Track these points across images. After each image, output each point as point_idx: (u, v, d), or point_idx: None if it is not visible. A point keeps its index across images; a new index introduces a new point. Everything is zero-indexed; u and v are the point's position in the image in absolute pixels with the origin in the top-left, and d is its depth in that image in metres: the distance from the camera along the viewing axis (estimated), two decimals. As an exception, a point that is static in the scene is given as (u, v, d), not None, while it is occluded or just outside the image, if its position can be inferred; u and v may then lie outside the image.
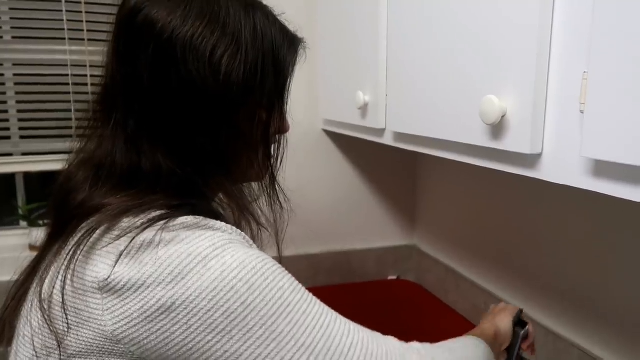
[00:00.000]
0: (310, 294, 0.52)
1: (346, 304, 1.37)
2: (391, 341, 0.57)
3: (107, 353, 0.47)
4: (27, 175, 1.44)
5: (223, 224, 0.52)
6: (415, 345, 0.60)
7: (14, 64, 1.35)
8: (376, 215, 1.60)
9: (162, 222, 0.49)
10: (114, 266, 0.47)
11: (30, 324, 0.51)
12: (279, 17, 0.60)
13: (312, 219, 1.53)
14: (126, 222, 0.50)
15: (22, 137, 1.38)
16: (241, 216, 0.56)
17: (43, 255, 0.56)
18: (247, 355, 0.46)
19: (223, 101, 0.54)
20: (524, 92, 0.59)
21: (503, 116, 0.62)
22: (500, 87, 0.63)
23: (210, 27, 0.53)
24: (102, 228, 0.49)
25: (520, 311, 0.84)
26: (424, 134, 0.83)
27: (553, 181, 0.58)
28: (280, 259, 0.61)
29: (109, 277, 0.47)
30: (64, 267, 0.49)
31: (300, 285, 0.51)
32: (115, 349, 0.47)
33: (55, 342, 0.48)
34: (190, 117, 0.53)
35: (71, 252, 0.49)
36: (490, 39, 0.64)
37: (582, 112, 0.51)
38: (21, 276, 0.59)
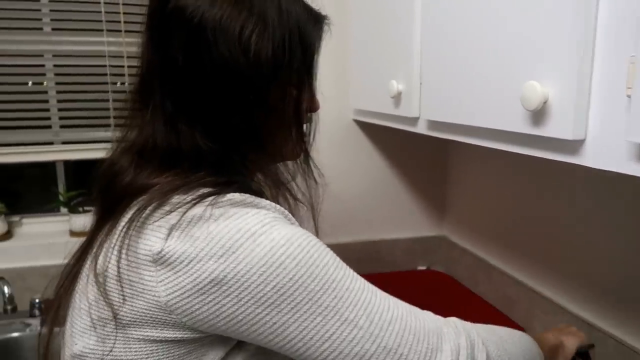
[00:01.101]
0: (352, 271, 0.54)
1: (376, 292, 1.38)
2: (429, 315, 0.58)
3: (160, 323, 0.50)
4: (67, 163, 1.49)
5: (267, 202, 0.54)
6: (452, 319, 0.61)
7: (54, 55, 1.39)
8: (405, 205, 1.60)
9: (211, 198, 0.51)
10: (166, 239, 0.49)
11: (86, 298, 0.54)
12: None
13: (341, 208, 1.54)
14: (176, 199, 0.52)
15: (62, 127, 1.42)
16: (278, 193, 0.58)
17: (93, 236, 0.58)
18: (294, 327, 0.49)
19: (255, 79, 0.56)
20: (567, 77, 0.58)
21: (545, 102, 0.61)
22: (542, 72, 0.62)
23: (237, 8, 0.55)
24: (153, 204, 0.52)
25: (591, 346, 0.80)
26: (460, 122, 0.83)
27: (597, 167, 0.57)
28: (317, 233, 0.63)
29: (161, 250, 0.49)
30: (118, 242, 0.51)
31: (342, 262, 0.53)
32: (168, 319, 0.49)
33: (110, 313, 0.50)
34: (224, 96, 0.56)
35: (125, 228, 0.51)
36: (532, 22, 0.64)
37: (628, 96, 0.51)
38: (72, 258, 0.62)
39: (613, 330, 0.98)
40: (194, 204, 0.50)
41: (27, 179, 1.56)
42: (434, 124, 0.97)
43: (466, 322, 0.62)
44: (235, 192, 0.53)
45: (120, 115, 1.39)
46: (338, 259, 0.53)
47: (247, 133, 0.57)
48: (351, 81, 1.43)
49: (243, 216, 0.50)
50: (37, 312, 1.28)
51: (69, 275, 0.61)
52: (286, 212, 0.55)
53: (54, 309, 0.60)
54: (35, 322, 1.27)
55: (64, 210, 1.48)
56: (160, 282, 0.49)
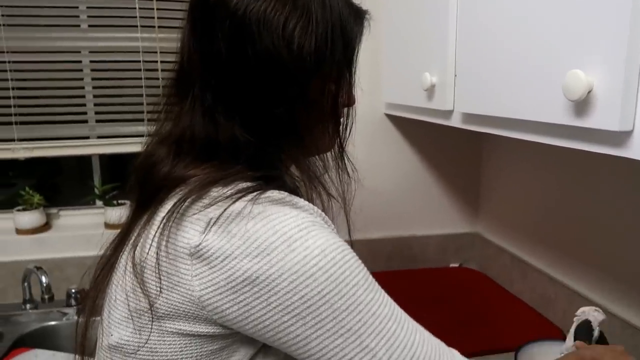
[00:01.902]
0: (383, 293, 0.52)
1: (407, 290, 1.36)
2: (456, 356, 0.56)
3: (193, 317, 0.50)
4: (103, 157, 1.52)
5: (305, 202, 0.53)
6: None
7: (90, 52, 1.42)
8: (438, 201, 1.56)
9: (251, 195, 0.51)
10: (204, 233, 0.49)
11: (123, 288, 0.54)
12: None
13: (373, 203, 1.52)
14: (215, 192, 0.52)
15: (97, 121, 1.45)
16: (312, 187, 0.57)
17: (130, 227, 0.58)
18: (315, 343, 0.48)
19: (297, 73, 0.55)
20: (614, 65, 0.55)
21: (589, 91, 0.58)
22: (586, 61, 0.59)
23: (281, 1, 0.54)
24: (193, 197, 0.52)
25: None
26: (497, 114, 0.80)
27: (646, 160, 0.54)
28: (349, 229, 0.63)
29: (199, 244, 0.49)
30: (158, 233, 0.51)
31: (374, 283, 0.52)
32: (201, 314, 0.49)
33: (147, 304, 0.51)
34: (266, 88, 0.55)
35: (165, 219, 0.51)
36: (576, 7, 0.61)
37: (683, 84, 0.47)
38: (109, 248, 0.62)
39: (659, 333, 0.93)
40: (235, 200, 0.50)
41: (64, 173, 1.61)
42: (468, 117, 0.94)
43: None
44: (274, 189, 0.53)
45: (154, 109, 1.42)
46: (371, 279, 0.52)
47: (286, 126, 0.57)
48: (383, 75, 1.41)
49: (281, 217, 0.49)
50: (73, 301, 1.31)
51: (106, 266, 0.62)
52: (323, 214, 0.54)
53: (91, 299, 0.61)
54: (72, 311, 1.31)
55: (99, 203, 1.51)
56: (196, 276, 0.49)
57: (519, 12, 0.72)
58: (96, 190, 1.47)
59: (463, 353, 0.57)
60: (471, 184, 1.58)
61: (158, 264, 0.51)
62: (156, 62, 1.42)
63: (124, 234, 0.60)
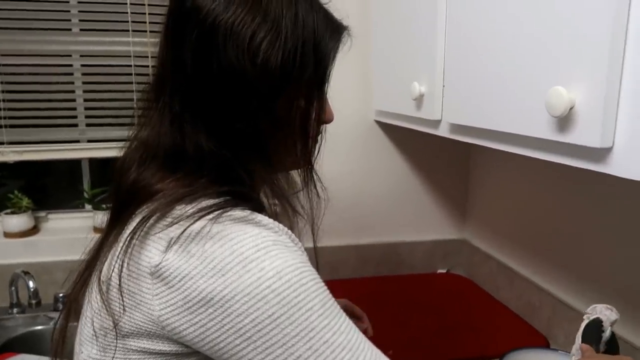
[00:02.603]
0: (342, 319, 0.50)
1: (394, 295, 1.37)
2: None
3: (155, 335, 0.50)
4: (92, 161, 1.52)
5: (270, 220, 0.52)
6: None
7: (81, 55, 1.42)
8: (427, 207, 1.58)
9: (212, 214, 0.50)
10: (165, 253, 0.49)
11: (91, 305, 0.54)
12: (324, 5, 0.60)
13: (361, 209, 1.53)
14: (178, 210, 0.52)
15: (88, 125, 1.45)
16: (279, 204, 0.57)
17: (105, 239, 0.58)
18: None
19: (260, 87, 0.54)
20: (595, 83, 0.57)
21: (571, 108, 0.60)
22: (568, 78, 0.61)
23: (252, 13, 0.54)
24: (157, 215, 0.51)
25: None
26: (483, 126, 0.82)
27: (624, 176, 0.55)
28: (315, 249, 0.61)
29: (159, 263, 0.49)
30: (122, 252, 0.51)
31: (333, 308, 0.50)
32: (162, 333, 0.50)
33: (111, 323, 0.51)
34: (229, 101, 0.55)
35: (128, 238, 0.51)
36: (560, 25, 0.62)
37: (660, 104, 0.49)
38: (86, 258, 0.62)
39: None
40: (196, 219, 0.50)
41: (54, 176, 1.60)
42: (456, 127, 0.96)
43: None
44: (237, 206, 0.52)
45: (137, 114, 1.42)
46: (329, 304, 0.50)
47: (250, 140, 0.56)
48: (374, 82, 1.42)
49: (240, 236, 0.49)
50: (61, 306, 1.31)
51: (82, 276, 0.61)
52: (289, 232, 0.53)
53: (66, 309, 0.61)
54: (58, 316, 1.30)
55: (88, 207, 1.51)
56: (156, 295, 0.49)
57: (505, 28, 0.74)
58: (85, 194, 1.47)
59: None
60: (459, 191, 1.59)
61: (120, 283, 0.51)
62: (147, 66, 1.42)
63: (99, 246, 0.59)
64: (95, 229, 1.45)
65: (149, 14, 1.39)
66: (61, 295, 1.31)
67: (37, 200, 1.47)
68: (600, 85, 0.56)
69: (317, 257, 0.59)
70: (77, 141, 1.46)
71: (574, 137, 0.61)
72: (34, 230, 1.44)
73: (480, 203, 1.54)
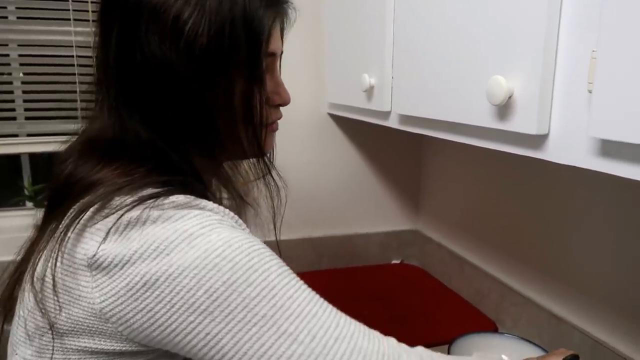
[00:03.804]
0: (300, 280, 0.49)
1: (349, 287, 1.38)
2: (389, 341, 0.52)
3: (97, 332, 0.47)
4: (33, 157, 1.45)
5: (215, 204, 0.51)
6: (419, 349, 0.55)
7: (19, 45, 1.35)
8: (380, 199, 1.60)
9: (151, 201, 0.48)
10: (103, 243, 0.47)
11: (24, 305, 0.52)
12: None
13: (315, 202, 1.53)
14: (117, 201, 0.50)
15: (27, 118, 1.38)
16: (228, 193, 0.56)
17: (39, 236, 0.56)
18: (227, 339, 0.45)
19: (186, 75, 0.52)
20: (531, 72, 0.58)
21: (510, 97, 0.61)
22: (507, 68, 0.62)
23: None
24: (95, 207, 0.49)
25: (575, 357, 0.70)
26: (430, 116, 0.83)
27: (560, 162, 0.57)
28: (277, 240, 0.60)
29: (96, 253, 0.47)
30: (56, 247, 0.49)
31: (289, 270, 0.49)
32: (104, 328, 0.47)
33: (47, 322, 0.48)
34: (158, 90, 0.53)
35: (62, 232, 0.49)
36: (498, 18, 0.64)
37: (590, 91, 0.51)
38: (19, 256, 0.59)
39: (580, 323, 0.99)
40: (133, 206, 0.48)
41: (-9, 173, 1.52)
42: (405, 118, 0.97)
43: (435, 354, 0.56)
44: (179, 193, 0.50)
45: (88, 107, 1.37)
46: (285, 266, 0.49)
47: (186, 129, 0.54)
48: (326, 74, 1.42)
49: (182, 218, 0.47)
50: (1, 309, 1.24)
51: (12, 277, 0.58)
52: (234, 215, 0.52)
53: (2, 306, 0.58)
54: (-1, 320, 1.24)
55: (29, 204, 1.44)
56: (96, 287, 0.47)
57: (447, 19, 0.75)
58: (26, 191, 1.40)
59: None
60: (412, 182, 1.62)
61: (54, 279, 0.48)
62: (90, 57, 1.36)
63: (33, 243, 0.57)
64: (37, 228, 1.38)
65: (92, 2, 1.34)
66: (1, 297, 1.24)
67: (-27, 199, 1.39)
68: (536, 74, 0.58)
69: (280, 250, 0.57)
70: (16, 135, 1.39)
71: (513, 124, 0.62)
72: (-30, 229, 1.36)
73: (432, 193, 1.57)
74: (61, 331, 0.48)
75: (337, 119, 1.51)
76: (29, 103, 1.37)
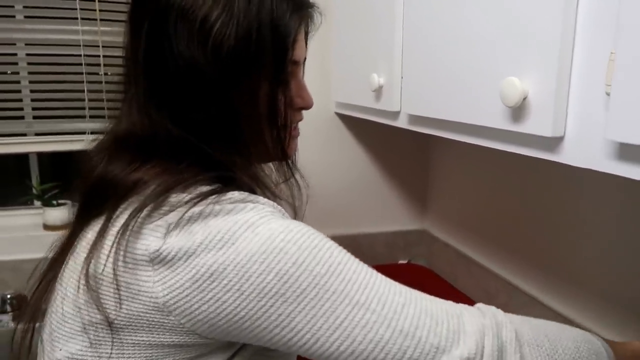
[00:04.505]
0: (357, 259, 0.51)
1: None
2: (448, 302, 0.54)
3: (156, 326, 0.48)
4: (41, 155, 1.45)
5: (266, 199, 0.52)
6: (478, 304, 0.57)
7: (27, 44, 1.35)
8: (387, 198, 1.59)
9: (210, 198, 0.49)
10: (164, 238, 0.47)
11: (74, 302, 0.51)
12: None
13: (322, 201, 1.52)
14: (174, 198, 0.50)
15: (35, 117, 1.38)
16: (262, 194, 0.56)
17: (74, 233, 0.56)
18: (301, 317, 0.46)
19: (213, 76, 0.52)
20: (546, 74, 0.58)
21: (524, 98, 0.61)
22: (522, 69, 0.62)
23: None
24: (151, 206, 0.49)
25: None
26: (441, 117, 0.82)
27: (575, 165, 0.57)
28: None
29: (159, 248, 0.47)
30: (114, 245, 0.49)
31: (345, 250, 0.51)
32: (166, 321, 0.47)
33: (103, 317, 0.48)
34: (186, 91, 0.53)
35: (121, 231, 0.49)
36: (512, 18, 0.63)
37: (607, 93, 0.50)
38: (53, 254, 0.59)
39: (588, 324, 0.99)
40: (195, 203, 0.49)
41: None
42: (414, 119, 0.96)
43: (494, 308, 0.57)
44: (234, 190, 0.51)
45: (95, 106, 1.37)
46: (340, 246, 0.51)
47: (216, 129, 0.54)
48: (333, 73, 1.41)
49: (242, 210, 0.48)
50: (8, 307, 1.24)
51: (48, 273, 0.58)
52: (282, 209, 0.53)
53: (31, 309, 0.58)
54: (6, 318, 1.24)
55: (37, 203, 1.44)
56: (158, 281, 0.47)
57: (460, 19, 0.74)
58: (34, 190, 1.40)
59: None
60: (419, 181, 1.61)
61: (116, 275, 0.48)
62: (98, 56, 1.36)
63: (68, 240, 0.57)
64: (46, 226, 1.38)
65: (99, 1, 1.33)
66: (9, 296, 1.24)
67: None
68: (551, 76, 0.57)
69: None
70: (24, 134, 1.39)
71: (527, 126, 0.62)
72: (-22, 228, 1.36)
73: (439, 193, 1.56)
74: (118, 326, 0.48)
75: (344, 118, 1.50)
76: (36, 102, 1.38)
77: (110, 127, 0.59)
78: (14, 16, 1.34)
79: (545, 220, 1.10)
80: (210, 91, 0.53)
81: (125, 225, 0.49)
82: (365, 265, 0.51)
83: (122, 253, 0.48)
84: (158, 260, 0.47)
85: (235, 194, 0.50)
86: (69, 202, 1.40)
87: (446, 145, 1.50)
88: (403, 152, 1.57)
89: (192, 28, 0.51)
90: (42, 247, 1.40)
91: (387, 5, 1.00)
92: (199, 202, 0.49)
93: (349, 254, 0.50)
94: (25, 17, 1.34)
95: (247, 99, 0.55)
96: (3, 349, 1.21)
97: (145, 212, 0.49)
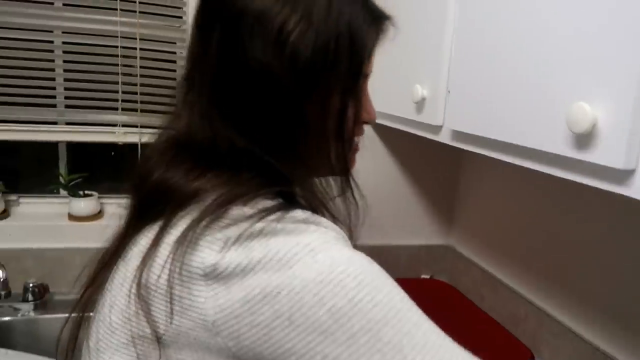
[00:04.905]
0: (417, 307, 0.47)
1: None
2: None
3: (202, 347, 0.45)
4: (69, 145, 1.44)
5: (329, 221, 0.50)
6: None
7: (63, 32, 1.34)
8: (413, 211, 1.56)
9: (274, 215, 0.47)
10: (221, 252, 0.45)
11: (124, 311, 0.49)
12: None
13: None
14: (235, 211, 0.48)
15: (67, 106, 1.38)
16: (319, 212, 0.53)
17: (127, 237, 0.54)
18: None
19: (287, 85, 0.50)
20: (622, 101, 0.55)
21: (594, 125, 0.58)
22: (593, 93, 0.58)
23: (281, 2, 0.50)
24: (211, 217, 0.47)
25: None
26: (491, 136, 0.79)
27: (649, 201, 0.54)
28: None
29: (215, 262, 0.44)
30: (170, 256, 0.47)
31: (407, 295, 0.47)
32: (212, 342, 0.44)
33: (151, 330, 0.46)
34: (255, 99, 0.51)
35: (179, 241, 0.47)
36: (585, 37, 0.60)
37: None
38: (103, 256, 0.57)
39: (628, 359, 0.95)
40: (259, 219, 0.46)
41: (27, 158, 1.51)
42: (458, 135, 0.93)
43: None
44: (296, 208, 0.49)
45: (129, 98, 1.36)
46: (403, 291, 0.47)
47: (281, 141, 0.52)
48: (373, 82, 1.38)
49: (304, 232, 0.46)
50: (30, 296, 1.23)
51: (98, 275, 0.57)
52: (345, 235, 0.50)
53: (79, 311, 0.56)
54: (27, 307, 1.23)
55: (63, 192, 1.43)
56: (210, 297, 0.44)
57: (524, 35, 0.71)
58: (61, 179, 1.39)
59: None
60: (447, 196, 1.58)
61: (170, 288, 0.46)
62: (135, 49, 1.35)
63: (119, 243, 0.55)
64: (71, 216, 1.37)
65: (140, -7, 1.32)
66: (32, 284, 1.24)
67: (8, 183, 1.39)
68: (628, 103, 0.54)
69: None
70: (55, 123, 1.38)
71: (595, 156, 0.58)
72: (3, 214, 1.35)
73: (467, 210, 1.53)
74: (165, 342, 0.46)
75: (377, 128, 1.47)
76: (70, 92, 1.37)
77: (166, 126, 0.57)
78: (52, 3, 1.33)
79: (581, 244, 1.06)
80: (282, 100, 0.51)
81: (183, 236, 0.47)
82: (427, 319, 0.46)
83: (178, 265, 0.46)
84: (213, 275, 0.45)
85: (298, 213, 0.48)
86: (95, 193, 1.39)
87: (478, 161, 1.47)
88: (432, 164, 1.54)
89: (268, 35, 0.49)
90: (65, 237, 1.40)
91: (437, 16, 0.97)
92: (261, 218, 0.46)
93: (410, 302, 0.46)
94: (64, 4, 1.34)
95: (317, 110, 0.53)
96: (24, 337, 1.20)
97: (204, 223, 0.47)
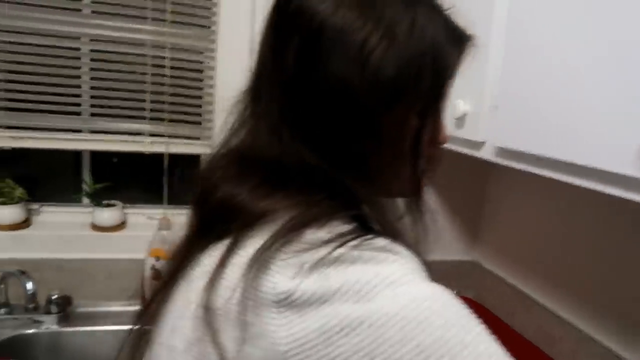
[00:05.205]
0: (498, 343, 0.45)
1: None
2: None
3: None
4: (93, 154, 1.42)
5: (408, 251, 0.47)
6: None
7: (91, 40, 1.33)
8: (439, 226, 1.54)
9: (353, 241, 0.44)
10: (295, 278, 0.42)
11: (185, 334, 0.47)
12: (446, 11, 0.54)
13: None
14: (310, 235, 0.45)
15: (92, 115, 1.36)
16: (392, 234, 0.51)
17: (189, 255, 0.52)
18: None
19: (367, 102, 0.48)
20: None
21: (674, 147, 0.56)
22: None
23: (363, 18, 0.48)
24: (283, 239, 0.45)
25: None
26: (546, 154, 0.77)
27: None
28: None
29: (289, 289, 0.42)
30: (240, 279, 0.44)
31: (488, 330, 0.45)
32: None
33: (216, 358, 0.43)
34: (332, 115, 0.49)
35: (250, 263, 0.44)
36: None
37: None
38: (169, 270, 0.55)
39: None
40: (338, 245, 0.43)
41: (50, 166, 1.49)
42: (504, 151, 0.91)
43: None
44: (375, 234, 0.46)
45: (157, 108, 1.34)
46: (487, 330, 0.44)
47: (354, 159, 0.50)
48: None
49: (383, 262, 0.43)
50: (54, 308, 1.20)
51: (163, 290, 0.54)
52: (421, 263, 0.47)
53: (141, 326, 0.54)
54: (50, 319, 1.20)
55: (86, 201, 1.41)
56: (282, 326, 0.41)
57: (584, 51, 0.69)
58: (86, 188, 1.37)
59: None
60: (473, 211, 1.56)
61: (241, 314, 0.43)
62: (164, 58, 1.34)
63: (182, 261, 0.53)
64: (94, 226, 1.35)
65: (172, 2, 1.31)
66: (54, 296, 1.21)
67: (30, 191, 1.36)
68: None
69: None
70: (80, 131, 1.36)
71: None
72: (25, 223, 1.33)
73: (494, 225, 1.50)
74: None
75: (404, 140, 1.45)
76: (95, 100, 1.35)
77: (228, 140, 0.54)
78: (80, 10, 1.32)
79: (617, 263, 1.03)
80: (358, 118, 0.49)
81: (254, 259, 0.44)
82: (498, 349, 0.43)
83: (249, 289, 0.43)
84: (286, 302, 0.42)
85: (377, 240, 0.45)
86: (119, 203, 1.37)
87: (506, 176, 1.44)
88: (459, 179, 1.52)
89: (348, 51, 0.47)
90: (88, 247, 1.36)
91: (483, 30, 0.96)
92: (339, 244, 0.44)
93: (496, 343, 0.43)
94: (93, 12, 1.32)
95: (394, 129, 0.51)
96: (47, 350, 1.17)
97: (276, 246, 0.44)
